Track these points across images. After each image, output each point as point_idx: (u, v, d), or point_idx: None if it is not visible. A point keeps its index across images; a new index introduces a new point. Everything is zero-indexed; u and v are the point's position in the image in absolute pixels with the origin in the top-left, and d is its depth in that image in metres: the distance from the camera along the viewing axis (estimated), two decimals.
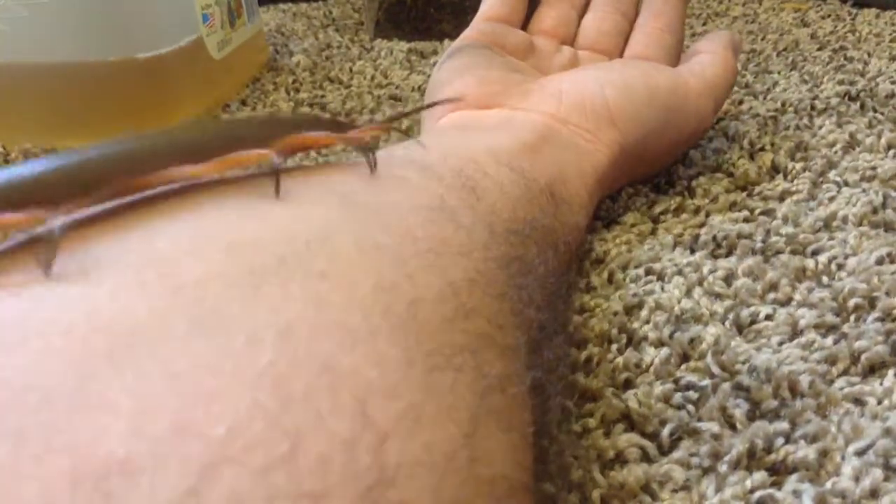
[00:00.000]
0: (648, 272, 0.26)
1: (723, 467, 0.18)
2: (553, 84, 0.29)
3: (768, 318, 0.23)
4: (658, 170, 0.32)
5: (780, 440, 0.18)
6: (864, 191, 0.30)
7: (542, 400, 0.16)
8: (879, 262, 0.25)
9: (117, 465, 0.10)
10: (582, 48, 0.35)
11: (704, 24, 0.59)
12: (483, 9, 0.35)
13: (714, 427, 0.19)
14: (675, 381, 0.21)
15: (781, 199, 0.30)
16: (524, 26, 0.36)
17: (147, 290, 0.13)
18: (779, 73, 0.45)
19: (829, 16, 0.56)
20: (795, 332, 0.22)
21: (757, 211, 0.29)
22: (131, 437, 0.10)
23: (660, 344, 0.22)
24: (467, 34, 0.33)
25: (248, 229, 0.15)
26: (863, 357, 0.21)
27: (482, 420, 0.13)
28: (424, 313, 0.14)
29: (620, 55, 0.35)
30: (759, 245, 0.27)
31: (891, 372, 0.20)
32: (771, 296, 0.24)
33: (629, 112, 0.28)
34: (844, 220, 0.28)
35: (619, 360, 0.21)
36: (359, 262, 0.14)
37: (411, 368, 0.13)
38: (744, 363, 0.21)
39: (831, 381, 0.20)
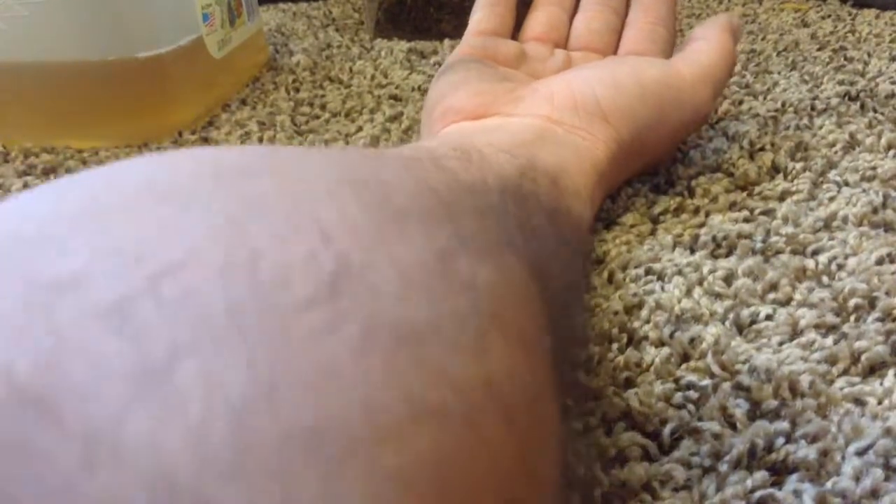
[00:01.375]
0: (648, 272, 0.26)
1: (723, 467, 0.18)
2: (544, 87, 0.29)
3: (768, 318, 0.23)
4: (659, 161, 0.32)
5: (781, 440, 0.18)
6: (864, 191, 0.30)
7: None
8: (879, 262, 0.25)
9: (67, 276, 0.11)
10: (575, 49, 0.35)
11: None
12: (472, 24, 0.35)
13: (715, 426, 0.19)
14: (676, 381, 0.21)
15: (781, 199, 0.30)
16: (518, 33, 0.36)
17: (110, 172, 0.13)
18: (779, 73, 0.45)
19: (829, 16, 0.56)
20: (795, 332, 0.22)
21: (757, 211, 0.29)
22: (80, 257, 0.11)
23: (660, 343, 0.22)
24: (459, 50, 0.34)
25: (227, 154, 0.15)
26: (863, 357, 0.21)
27: (458, 252, 0.14)
28: (399, 200, 0.14)
29: (614, 53, 0.35)
30: (759, 245, 0.27)
31: (891, 372, 0.21)
32: (771, 296, 0.24)
33: (621, 108, 0.28)
34: (844, 220, 0.28)
35: (620, 359, 0.21)
36: (329, 160, 0.15)
37: (373, 217, 0.13)
38: (744, 363, 0.21)
39: (831, 381, 0.20)
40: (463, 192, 0.17)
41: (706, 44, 0.32)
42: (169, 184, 0.13)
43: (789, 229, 0.27)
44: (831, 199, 0.30)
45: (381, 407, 0.11)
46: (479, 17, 0.35)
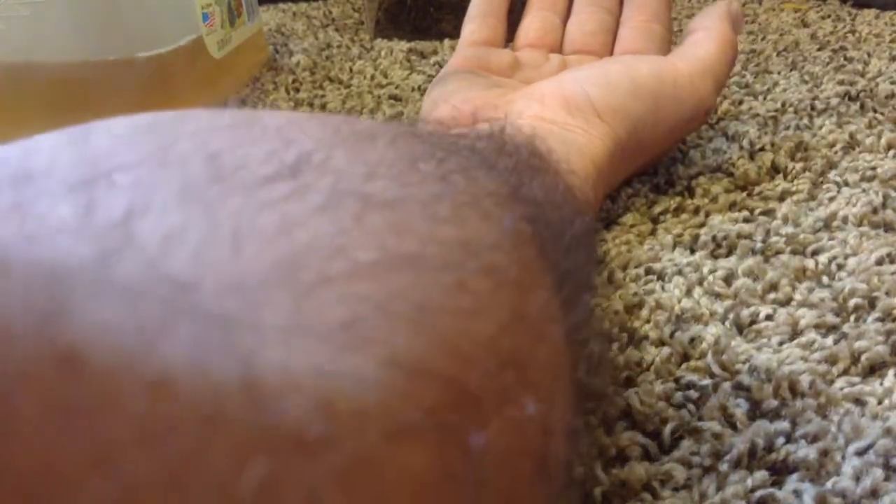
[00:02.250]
0: (648, 272, 0.26)
1: (724, 466, 0.18)
2: (535, 90, 0.29)
3: (768, 318, 0.23)
4: (661, 157, 0.32)
5: (781, 440, 0.18)
6: (864, 191, 0.30)
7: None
8: (879, 262, 0.25)
9: (34, 171, 0.12)
10: (570, 52, 0.35)
11: None
12: (464, 35, 0.35)
13: (715, 426, 0.19)
14: (676, 381, 0.21)
15: (781, 199, 0.30)
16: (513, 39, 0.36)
17: None
18: (779, 73, 0.45)
19: (829, 16, 0.56)
20: (795, 332, 0.22)
21: (757, 211, 0.29)
22: (43, 158, 0.12)
23: (660, 343, 0.22)
24: (453, 61, 0.34)
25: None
26: (863, 357, 0.21)
27: (429, 158, 0.15)
28: (366, 129, 0.15)
29: (611, 53, 0.35)
30: (759, 245, 0.27)
31: (891, 372, 0.21)
32: (771, 296, 0.24)
33: (614, 106, 0.28)
34: (844, 220, 0.28)
35: (620, 358, 0.21)
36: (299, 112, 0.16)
37: (338, 135, 0.14)
38: (744, 363, 0.21)
39: (831, 381, 0.20)
40: (436, 135, 0.17)
41: (704, 35, 0.32)
42: (138, 122, 0.14)
43: (789, 229, 0.28)
44: (831, 199, 0.30)
45: (353, 248, 0.11)
46: (471, 29, 0.35)
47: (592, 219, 0.24)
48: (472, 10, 0.36)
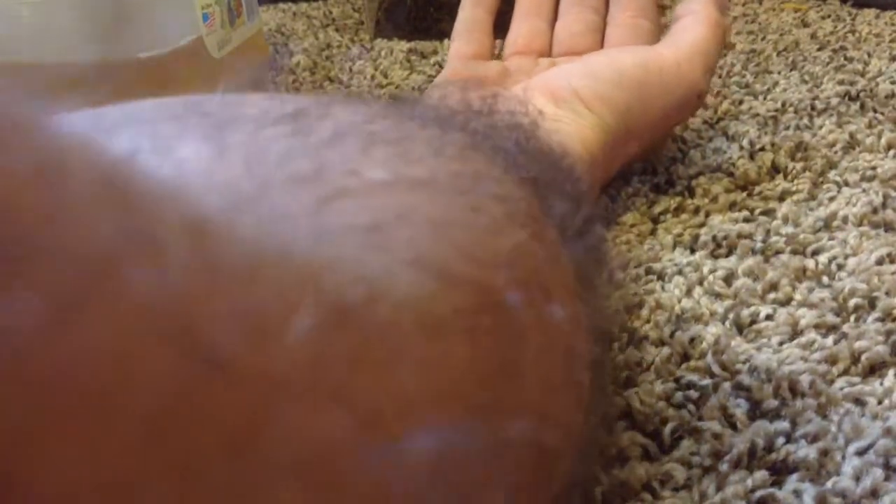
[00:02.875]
0: (648, 272, 0.26)
1: (724, 466, 0.18)
2: (521, 87, 0.29)
3: (768, 318, 0.23)
4: (656, 141, 0.32)
5: (781, 440, 0.18)
6: (864, 191, 0.30)
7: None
8: (879, 262, 0.25)
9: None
10: (559, 54, 0.35)
11: None
12: (453, 50, 0.36)
13: (715, 426, 0.19)
14: (676, 381, 0.21)
15: (781, 199, 0.30)
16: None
17: None
18: (779, 73, 0.45)
19: (829, 16, 0.56)
20: (796, 332, 0.22)
21: (757, 211, 0.29)
22: None
23: (660, 343, 0.22)
24: (443, 75, 0.34)
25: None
26: (863, 357, 0.21)
27: (425, 117, 0.15)
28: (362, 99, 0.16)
29: None
30: (759, 245, 0.27)
31: (891, 372, 0.21)
32: (771, 296, 0.24)
33: (600, 95, 0.28)
34: (844, 220, 0.28)
35: (621, 358, 0.21)
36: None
37: (333, 99, 0.15)
38: (744, 363, 0.21)
39: (832, 381, 0.20)
40: (431, 105, 0.18)
41: (691, 19, 0.32)
42: (130, 104, 0.14)
43: (789, 229, 0.28)
44: (831, 199, 0.30)
45: (365, 170, 0.12)
46: (458, 45, 0.36)
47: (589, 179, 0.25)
48: (458, 27, 0.36)
